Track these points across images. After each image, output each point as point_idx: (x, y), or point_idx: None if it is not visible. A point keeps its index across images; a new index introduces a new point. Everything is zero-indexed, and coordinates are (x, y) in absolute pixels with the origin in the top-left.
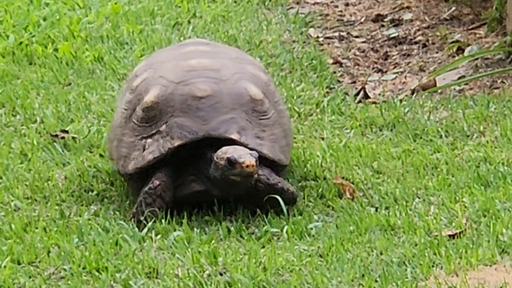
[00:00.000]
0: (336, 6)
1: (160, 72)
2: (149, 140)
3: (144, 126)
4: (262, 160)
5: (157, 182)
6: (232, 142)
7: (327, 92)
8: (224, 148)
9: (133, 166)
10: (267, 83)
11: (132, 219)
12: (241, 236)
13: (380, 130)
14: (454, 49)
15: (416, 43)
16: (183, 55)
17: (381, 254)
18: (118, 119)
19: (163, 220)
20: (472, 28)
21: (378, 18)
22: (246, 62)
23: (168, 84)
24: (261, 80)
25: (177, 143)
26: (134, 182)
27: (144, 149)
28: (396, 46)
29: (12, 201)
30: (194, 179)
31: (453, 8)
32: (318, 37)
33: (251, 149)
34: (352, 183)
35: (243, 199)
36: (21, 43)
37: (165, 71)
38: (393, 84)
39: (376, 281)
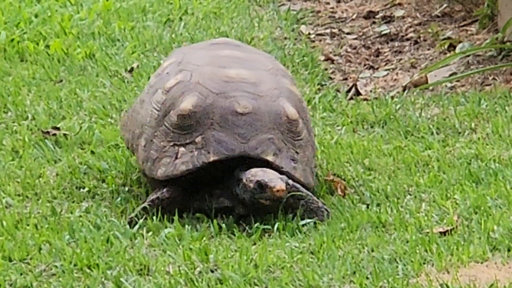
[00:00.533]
0: (328, 3)
1: (196, 77)
2: (182, 149)
3: (178, 133)
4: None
5: (166, 195)
6: (266, 163)
7: (319, 89)
8: (253, 170)
9: (163, 173)
10: (301, 100)
11: (129, 223)
12: (232, 233)
13: (372, 127)
14: (446, 46)
15: (407, 40)
16: (219, 60)
17: (372, 251)
18: (147, 117)
19: (154, 217)
20: (464, 25)
21: (370, 15)
22: (280, 74)
23: (206, 94)
24: (296, 97)
25: (212, 158)
26: (156, 184)
27: (176, 157)
28: (387, 43)
29: (3, 198)
30: (222, 194)
31: (445, 5)
32: (309, 34)
33: (283, 172)
34: (344, 180)
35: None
36: (12, 39)
37: (202, 77)
38: (385, 81)
39: (367, 278)
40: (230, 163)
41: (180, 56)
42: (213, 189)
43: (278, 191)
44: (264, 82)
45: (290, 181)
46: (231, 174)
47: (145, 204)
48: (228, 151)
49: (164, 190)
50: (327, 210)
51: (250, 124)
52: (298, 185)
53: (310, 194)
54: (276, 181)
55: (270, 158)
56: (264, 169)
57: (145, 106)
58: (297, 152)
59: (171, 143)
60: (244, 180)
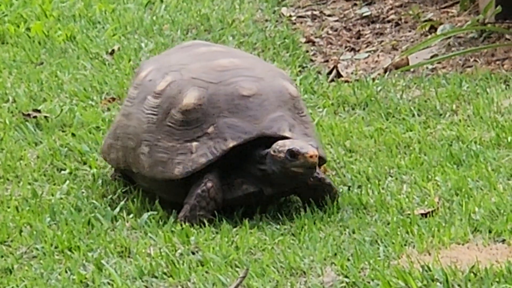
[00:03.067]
0: None
1: (189, 74)
2: (195, 143)
3: (185, 129)
4: None
5: (210, 184)
6: (285, 139)
7: (300, 71)
8: (281, 142)
9: (182, 170)
10: (292, 81)
11: (184, 222)
12: (213, 215)
13: (353, 109)
14: (427, 28)
15: (388, 21)
16: (202, 56)
17: (353, 232)
18: (143, 125)
19: (135, 200)
20: (445, 7)
21: None
22: (262, 60)
23: (206, 85)
24: (288, 77)
25: (231, 144)
26: (171, 187)
27: (191, 153)
28: (368, 25)
29: None
30: (244, 181)
31: None
32: (290, 16)
33: None
34: None
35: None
36: None
37: (195, 72)
38: (366, 63)
39: (348, 259)
40: (247, 147)
41: (156, 64)
42: (233, 179)
43: (311, 156)
44: (257, 66)
45: None
46: (247, 159)
47: (194, 201)
48: (245, 134)
49: (205, 180)
50: (336, 190)
51: (259, 105)
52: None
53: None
54: (308, 147)
55: (287, 134)
56: (290, 139)
57: (135, 116)
58: (306, 127)
59: (181, 141)
60: (272, 153)
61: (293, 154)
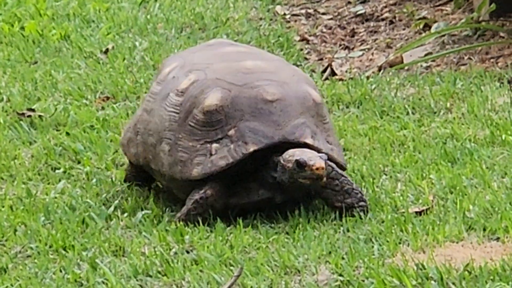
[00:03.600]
0: None
1: (213, 74)
2: (215, 145)
3: (206, 130)
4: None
5: (209, 192)
6: (306, 147)
7: None
8: (291, 151)
9: (201, 171)
10: (315, 85)
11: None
12: (208, 215)
13: (347, 107)
14: (421, 26)
15: (383, 20)
16: (227, 56)
17: (348, 231)
18: (165, 122)
19: (129, 199)
20: (439, 5)
21: None
22: (288, 64)
23: (229, 87)
24: (312, 82)
25: (252, 148)
26: (189, 187)
27: (211, 154)
28: (363, 23)
29: None
30: (260, 186)
31: None
32: (285, 14)
33: (322, 153)
34: None
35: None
36: None
37: (219, 73)
38: (360, 61)
39: (343, 258)
40: (268, 152)
41: (181, 60)
42: (249, 183)
43: (317, 168)
44: (282, 70)
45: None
46: (266, 164)
47: (190, 206)
48: (266, 139)
49: (206, 187)
50: (361, 193)
51: (282, 110)
52: (333, 165)
53: (345, 175)
54: (315, 159)
55: (309, 141)
56: (302, 149)
57: (156, 113)
58: (328, 135)
59: (201, 142)
60: (282, 161)
61: (300, 165)
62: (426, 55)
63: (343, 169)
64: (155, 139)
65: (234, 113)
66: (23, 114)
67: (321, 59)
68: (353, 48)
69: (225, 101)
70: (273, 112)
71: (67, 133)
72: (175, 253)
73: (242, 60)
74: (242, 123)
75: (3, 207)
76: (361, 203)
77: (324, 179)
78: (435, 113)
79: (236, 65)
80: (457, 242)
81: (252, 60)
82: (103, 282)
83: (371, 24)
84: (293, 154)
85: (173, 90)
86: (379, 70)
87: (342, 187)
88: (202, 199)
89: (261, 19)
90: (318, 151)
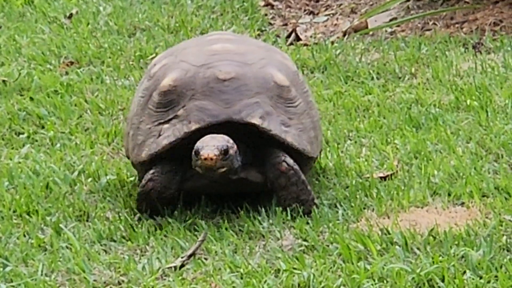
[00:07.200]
0: None
1: (181, 57)
2: (165, 126)
3: (161, 111)
4: (288, 150)
5: (150, 185)
6: (253, 127)
7: (259, 35)
8: (206, 136)
9: (147, 152)
10: (295, 73)
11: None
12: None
13: (312, 72)
14: None
15: None
16: (207, 42)
17: None
18: (135, 108)
19: (93, 163)
20: None
21: None
22: (274, 51)
23: (188, 68)
24: (289, 69)
25: (194, 126)
26: (145, 172)
27: (159, 135)
28: None
29: None
30: None
31: None
32: None
33: (273, 135)
34: None
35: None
36: None
37: (186, 56)
38: (325, 26)
39: (307, 223)
40: (216, 132)
41: (170, 49)
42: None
43: (206, 159)
44: (252, 53)
45: (291, 161)
46: None
47: (138, 197)
48: (210, 118)
49: (145, 181)
50: (315, 205)
51: (235, 89)
52: (298, 170)
53: (306, 183)
54: (207, 149)
55: (255, 121)
56: (213, 135)
57: (134, 100)
58: (290, 118)
59: (156, 123)
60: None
61: (195, 152)
62: (390, 20)
63: (301, 154)
64: (129, 127)
65: (186, 93)
66: None
67: (286, 24)
68: (317, 13)
69: (179, 81)
70: (225, 91)
71: (31, 98)
72: (139, 218)
73: (213, 44)
74: (191, 103)
75: None
76: (304, 198)
77: (221, 170)
78: (399, 78)
79: (206, 48)
80: (421, 207)
81: (225, 43)
82: (67, 247)
83: None
84: (201, 140)
85: (147, 76)
86: (344, 35)
87: (298, 195)
88: (144, 193)
89: None
90: (267, 132)
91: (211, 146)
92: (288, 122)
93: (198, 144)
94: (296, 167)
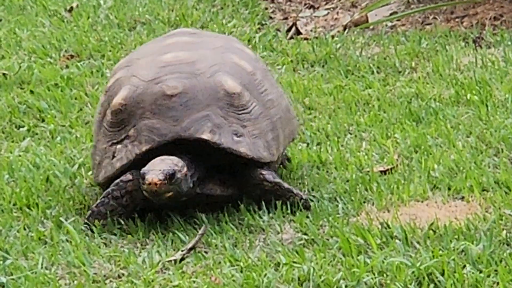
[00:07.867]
0: None
1: (133, 70)
2: (118, 146)
3: (114, 131)
4: (244, 159)
5: (130, 177)
6: (203, 142)
7: (259, 28)
8: (156, 159)
9: (104, 175)
10: (252, 73)
11: (89, 218)
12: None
13: (312, 66)
14: None
15: None
16: (162, 48)
17: (313, 190)
18: (94, 124)
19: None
20: None
21: None
22: (230, 51)
23: (138, 84)
24: (243, 71)
25: (144, 147)
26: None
27: (113, 157)
28: None
29: None
30: None
31: None
32: None
33: (224, 148)
34: None
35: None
36: None
37: (138, 69)
38: (325, 20)
39: (307, 217)
40: (168, 150)
41: (131, 54)
42: None
43: (150, 184)
44: (202, 60)
45: (270, 177)
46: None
47: (108, 189)
48: (159, 137)
49: (126, 173)
50: (307, 201)
51: (183, 105)
52: (280, 181)
53: (291, 189)
54: (151, 174)
55: (205, 136)
56: (163, 157)
57: (95, 114)
58: (244, 126)
59: (110, 143)
60: None
61: (142, 176)
62: (391, 14)
63: (260, 163)
64: (93, 143)
65: (137, 111)
66: None
67: (286, 18)
68: (318, 7)
69: (129, 100)
70: (172, 108)
71: (31, 91)
72: (140, 211)
73: (166, 53)
74: (141, 122)
75: None
76: (293, 201)
77: (168, 194)
78: (400, 72)
79: (157, 59)
80: (421, 201)
81: (177, 51)
82: (67, 240)
83: None
84: (150, 163)
85: (104, 89)
86: (344, 29)
87: (275, 193)
88: (122, 182)
89: None
90: (218, 146)
91: (156, 170)
92: (240, 131)
93: (145, 168)
94: (277, 179)
